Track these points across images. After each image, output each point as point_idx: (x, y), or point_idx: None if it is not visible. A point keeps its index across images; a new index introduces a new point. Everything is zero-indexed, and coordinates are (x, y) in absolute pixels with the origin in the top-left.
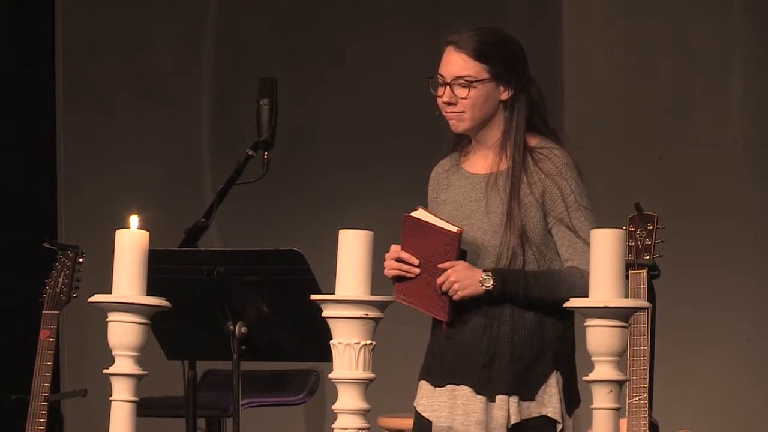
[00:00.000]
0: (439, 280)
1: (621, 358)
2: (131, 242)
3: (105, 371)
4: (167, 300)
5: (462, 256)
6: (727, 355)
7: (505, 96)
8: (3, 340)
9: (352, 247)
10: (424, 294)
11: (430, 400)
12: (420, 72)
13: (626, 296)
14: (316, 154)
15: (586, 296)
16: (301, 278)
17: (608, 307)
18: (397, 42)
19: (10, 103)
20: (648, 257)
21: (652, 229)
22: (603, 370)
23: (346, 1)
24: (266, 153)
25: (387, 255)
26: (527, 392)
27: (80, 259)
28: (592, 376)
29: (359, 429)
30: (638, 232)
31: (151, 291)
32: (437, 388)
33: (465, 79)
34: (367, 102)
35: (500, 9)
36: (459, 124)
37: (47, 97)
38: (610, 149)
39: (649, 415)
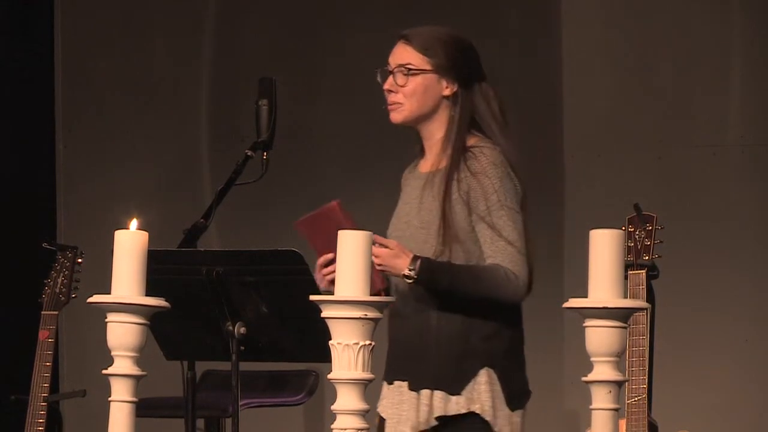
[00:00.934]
0: (373, 250)
1: (620, 358)
2: (130, 243)
3: (104, 372)
4: (166, 300)
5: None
6: (726, 355)
7: (447, 92)
8: (2, 340)
9: (351, 248)
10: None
11: (384, 399)
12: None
13: (625, 297)
14: (316, 154)
15: (510, 293)
16: (300, 279)
17: (607, 308)
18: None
19: (9, 102)
20: (647, 258)
21: (651, 229)
22: (602, 371)
23: (347, 2)
24: (265, 153)
25: (315, 273)
26: (453, 387)
27: (79, 260)
28: (591, 377)
29: (358, 429)
30: (637, 233)
31: (150, 291)
32: (389, 386)
33: (405, 66)
34: (367, 102)
35: (499, 8)
36: (397, 114)
37: (46, 97)
38: (608, 149)
39: (648, 415)
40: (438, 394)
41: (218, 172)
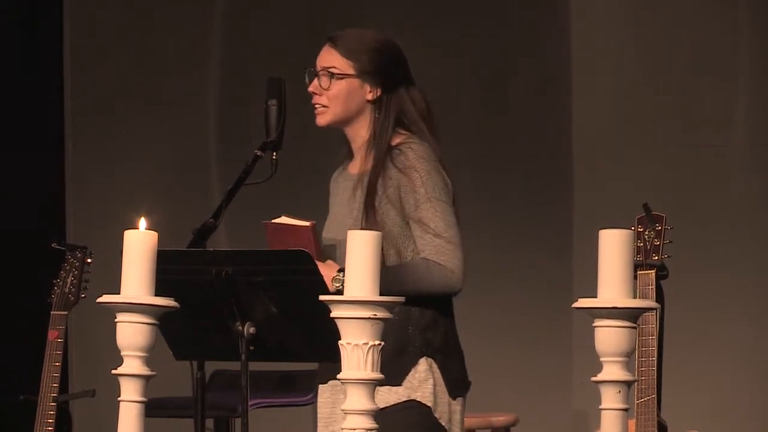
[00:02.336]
0: None
1: (629, 358)
2: (139, 243)
3: (113, 372)
4: (175, 300)
5: (330, 250)
6: (735, 355)
7: (370, 96)
8: (11, 340)
9: (361, 248)
10: None
11: (319, 399)
12: (427, 72)
13: (634, 297)
14: (325, 154)
15: (438, 284)
16: (309, 279)
17: (616, 308)
18: (404, 42)
19: (18, 104)
20: (656, 258)
21: (661, 229)
22: (611, 371)
23: (354, 0)
24: (274, 153)
25: None
26: (393, 379)
27: (88, 260)
28: (600, 377)
29: (367, 429)
30: (647, 233)
31: (159, 291)
32: (321, 386)
33: (329, 70)
34: None
35: (507, 8)
36: (321, 117)
37: (55, 97)
38: (617, 150)
39: (658, 415)
40: (380, 388)
41: (227, 172)
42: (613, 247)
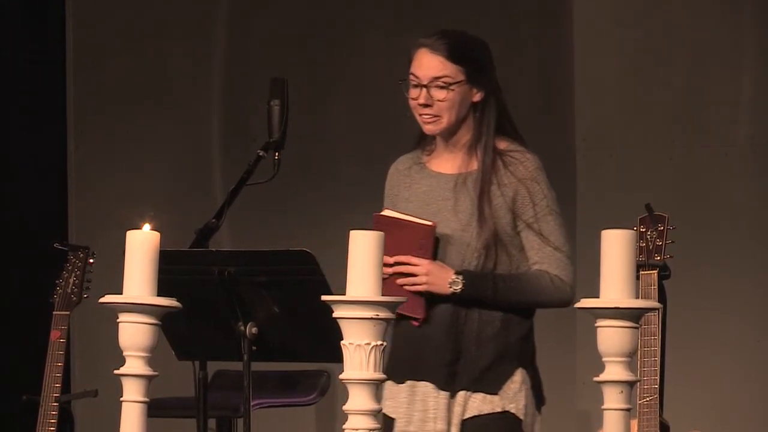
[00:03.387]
0: (409, 269)
1: (632, 358)
2: (142, 243)
3: (116, 372)
4: (178, 301)
5: (435, 250)
6: (737, 355)
7: (476, 98)
8: (14, 340)
9: (363, 248)
10: (399, 293)
11: (393, 399)
12: None
13: (637, 297)
14: (327, 154)
15: (556, 298)
16: (311, 279)
17: (619, 308)
18: (404, 43)
19: (21, 104)
20: (659, 258)
21: (663, 229)
22: (614, 371)
23: (357, 2)
24: (277, 153)
25: None
26: (490, 388)
27: (91, 260)
28: (602, 377)
29: (370, 429)
30: (649, 233)
31: (161, 292)
32: (399, 386)
33: (442, 80)
34: (379, 102)
35: (509, 11)
36: (434, 126)
37: (58, 98)
38: (620, 150)
39: (660, 415)
40: (475, 395)
41: (230, 172)
42: (616, 248)
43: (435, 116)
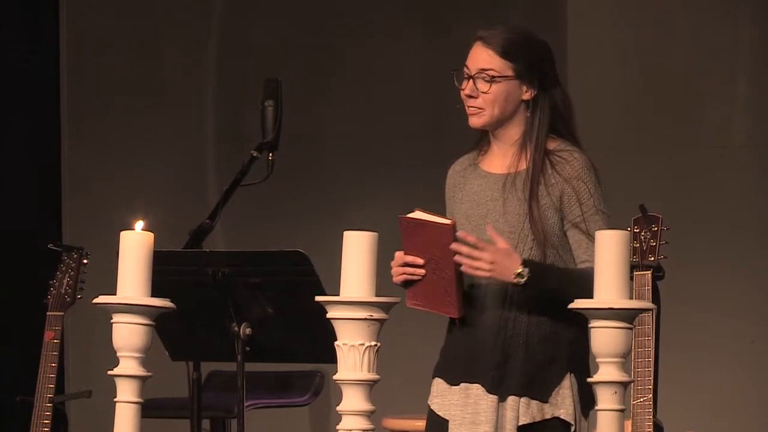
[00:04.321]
0: (475, 254)
1: (626, 359)
2: (136, 243)
3: (110, 372)
4: (172, 301)
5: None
6: (731, 356)
7: (527, 96)
8: (7, 341)
9: (357, 249)
10: (433, 294)
11: (445, 398)
12: (425, 74)
13: (631, 298)
14: (321, 155)
15: None
16: (305, 279)
17: (613, 309)
18: (403, 43)
19: (15, 103)
20: (652, 258)
21: (657, 230)
22: (608, 372)
23: (352, 2)
24: (271, 154)
25: (392, 263)
26: (540, 394)
27: (85, 261)
28: (596, 378)
29: (364, 430)
30: (643, 234)
31: (155, 292)
32: (452, 387)
33: (487, 73)
34: (373, 103)
35: (504, 7)
36: (477, 119)
37: (52, 97)
38: (615, 150)
39: (654, 416)
40: (526, 401)
41: (224, 172)
42: (610, 248)
43: (478, 108)
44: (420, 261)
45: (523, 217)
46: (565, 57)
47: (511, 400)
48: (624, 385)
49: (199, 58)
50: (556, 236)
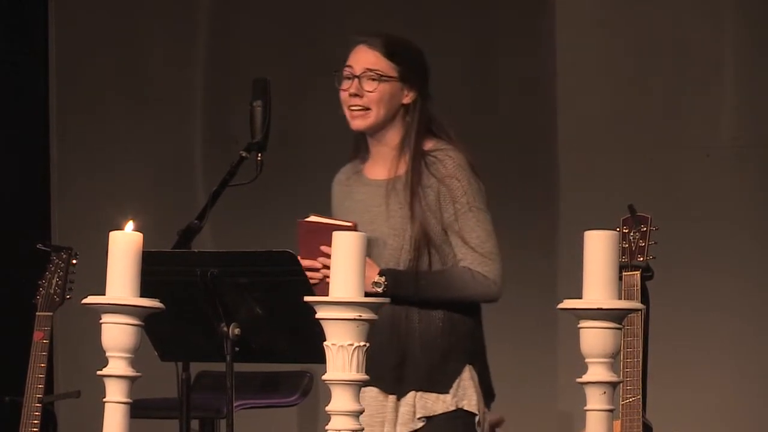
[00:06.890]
0: (317, 264)
1: (614, 359)
2: (125, 244)
3: (98, 373)
4: (161, 301)
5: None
6: (720, 356)
7: (407, 100)
8: None
9: (345, 249)
10: None
11: None
12: None
13: (620, 298)
14: (310, 155)
15: (480, 293)
16: (294, 280)
17: (602, 309)
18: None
19: (2, 104)
20: (641, 259)
21: (646, 230)
22: (596, 372)
23: (340, 1)
24: (259, 154)
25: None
26: (441, 387)
27: (74, 261)
28: (585, 378)
29: (352, 430)
30: (632, 234)
31: (144, 292)
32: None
33: (375, 72)
34: None
35: (494, 9)
36: (362, 121)
37: (40, 98)
38: (603, 151)
39: (643, 416)
40: (425, 395)
41: (212, 173)
42: (598, 249)
43: (364, 108)
44: (318, 264)
45: (405, 220)
46: (554, 59)
47: (410, 396)
48: (613, 385)
49: (187, 58)
50: (438, 236)
